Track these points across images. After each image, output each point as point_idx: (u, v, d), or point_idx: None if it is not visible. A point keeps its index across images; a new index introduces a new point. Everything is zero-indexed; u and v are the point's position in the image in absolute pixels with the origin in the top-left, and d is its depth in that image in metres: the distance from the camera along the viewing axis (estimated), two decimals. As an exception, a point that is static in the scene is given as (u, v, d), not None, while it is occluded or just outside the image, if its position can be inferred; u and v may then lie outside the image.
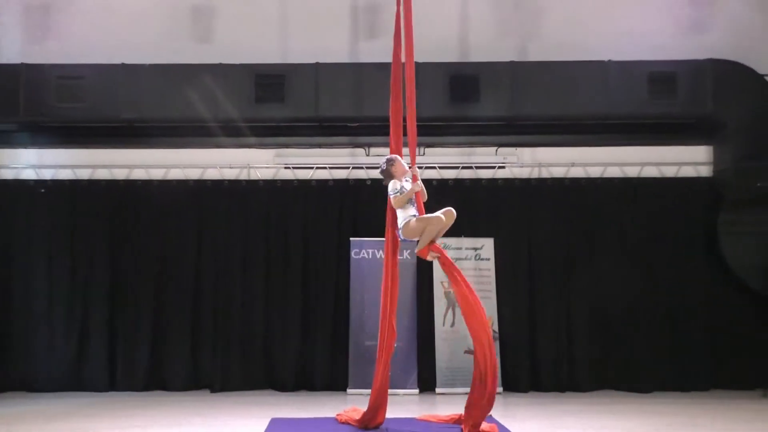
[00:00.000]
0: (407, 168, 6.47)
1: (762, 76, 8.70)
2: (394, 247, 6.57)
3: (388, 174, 6.46)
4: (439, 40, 8.67)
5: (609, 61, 8.68)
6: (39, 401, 8.15)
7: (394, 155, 6.56)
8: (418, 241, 6.31)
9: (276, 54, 8.95)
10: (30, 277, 8.89)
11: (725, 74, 8.64)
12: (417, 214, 6.27)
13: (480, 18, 9.15)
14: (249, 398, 8.34)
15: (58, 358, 8.76)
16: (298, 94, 8.60)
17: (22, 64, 8.62)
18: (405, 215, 6.27)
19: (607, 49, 8.78)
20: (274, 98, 8.58)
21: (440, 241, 6.46)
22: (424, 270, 8.66)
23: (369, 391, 6.61)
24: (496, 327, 8.69)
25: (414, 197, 6.31)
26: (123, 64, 8.61)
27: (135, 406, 7.86)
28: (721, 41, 8.95)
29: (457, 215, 6.37)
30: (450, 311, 8.79)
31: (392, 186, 6.37)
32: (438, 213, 6.25)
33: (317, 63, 8.66)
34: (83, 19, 9.06)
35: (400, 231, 6.32)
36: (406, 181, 6.37)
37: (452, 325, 8.76)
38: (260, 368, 8.86)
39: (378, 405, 6.45)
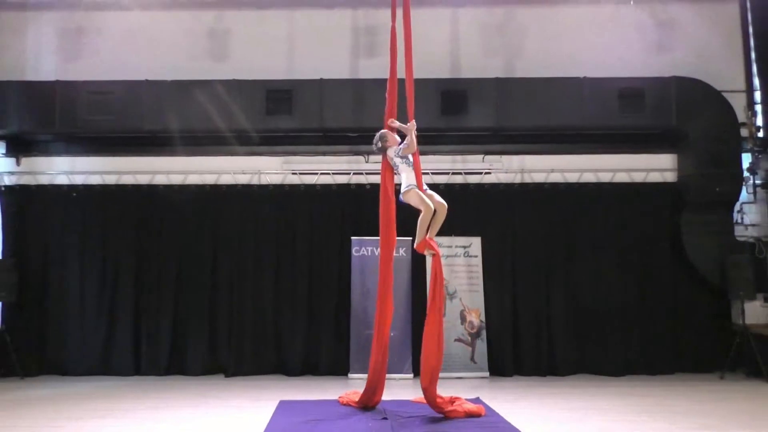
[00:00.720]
0: (398, 139, 6.60)
1: (720, 92, 8.85)
2: (390, 242, 6.61)
3: (385, 149, 6.64)
4: (431, 58, 8.82)
5: (584, 77, 8.79)
6: (72, 384, 8.25)
7: (383, 130, 6.67)
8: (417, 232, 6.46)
9: (284, 71, 9.09)
10: (64, 272, 8.95)
11: (688, 90, 8.78)
12: (416, 185, 6.43)
13: (469, 39, 9.30)
14: (260, 382, 8.39)
15: (88, 345, 8.81)
16: (304, 107, 8.70)
17: (57, 81, 8.77)
18: (408, 182, 6.43)
19: (583, 67, 8.92)
20: (283, 111, 8.68)
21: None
22: (418, 264, 8.70)
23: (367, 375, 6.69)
24: (483, 318, 8.79)
25: (414, 169, 6.46)
26: (147, 81, 8.73)
27: (157, 389, 7.97)
28: (685, 60, 9.12)
29: (448, 216, 6.52)
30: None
31: (393, 153, 6.53)
32: (432, 201, 6.37)
33: (321, 79, 8.77)
34: (111, 41, 9.23)
35: (402, 195, 6.46)
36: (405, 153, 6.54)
37: (444, 315, 8.84)
38: (270, 355, 8.87)
39: (375, 385, 6.53)
